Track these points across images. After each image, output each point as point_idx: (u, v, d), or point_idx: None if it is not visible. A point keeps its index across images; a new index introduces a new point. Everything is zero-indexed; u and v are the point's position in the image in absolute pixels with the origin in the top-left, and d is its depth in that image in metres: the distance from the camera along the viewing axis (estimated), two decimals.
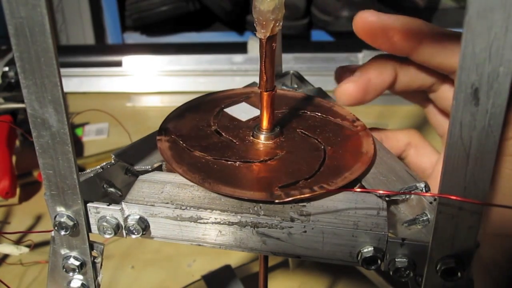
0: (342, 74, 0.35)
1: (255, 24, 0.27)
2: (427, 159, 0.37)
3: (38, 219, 0.68)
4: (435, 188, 0.27)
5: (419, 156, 0.37)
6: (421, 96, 0.37)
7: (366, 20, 0.31)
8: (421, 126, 0.38)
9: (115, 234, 0.27)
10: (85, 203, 0.26)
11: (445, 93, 0.34)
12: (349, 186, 0.28)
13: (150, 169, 0.29)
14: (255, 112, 0.34)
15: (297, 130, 0.32)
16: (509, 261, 0.28)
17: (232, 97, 0.36)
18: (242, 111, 0.34)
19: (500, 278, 0.28)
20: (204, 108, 0.35)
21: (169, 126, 0.32)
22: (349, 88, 0.33)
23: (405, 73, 0.33)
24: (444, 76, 0.33)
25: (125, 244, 0.63)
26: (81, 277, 0.28)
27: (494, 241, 0.28)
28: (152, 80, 1.02)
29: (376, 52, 0.34)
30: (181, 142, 0.31)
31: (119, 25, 1.27)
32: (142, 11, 1.19)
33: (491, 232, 0.28)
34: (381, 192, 0.27)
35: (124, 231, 0.27)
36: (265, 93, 0.29)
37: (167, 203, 0.26)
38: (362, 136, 0.32)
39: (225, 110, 0.34)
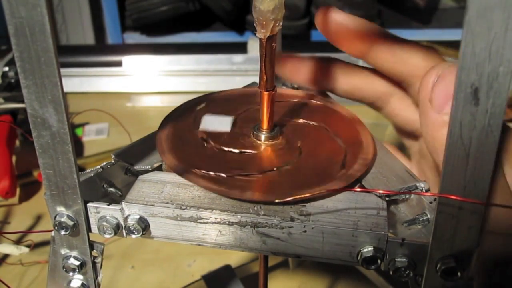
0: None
1: (255, 24, 0.27)
2: (411, 113, 0.36)
3: (38, 219, 0.68)
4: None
5: (404, 107, 0.36)
6: (378, 93, 0.36)
7: (326, 16, 0.32)
8: None
9: (115, 234, 0.27)
10: (85, 203, 0.26)
11: (394, 110, 0.35)
12: (349, 186, 0.28)
13: (150, 169, 0.29)
14: (227, 119, 0.33)
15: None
16: (508, 259, 0.28)
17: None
18: (216, 123, 0.33)
19: (498, 277, 0.28)
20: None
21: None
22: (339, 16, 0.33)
23: (345, 80, 0.34)
24: (391, 90, 0.34)
25: (125, 244, 0.63)
26: (81, 277, 0.28)
27: (493, 239, 0.28)
28: (152, 80, 1.02)
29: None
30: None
31: (119, 25, 1.27)
32: (142, 11, 1.19)
33: (490, 229, 0.28)
34: (381, 192, 0.27)
35: (124, 231, 0.27)
36: (265, 93, 0.29)
37: (167, 203, 0.26)
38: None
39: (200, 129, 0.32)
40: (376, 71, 0.34)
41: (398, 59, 0.31)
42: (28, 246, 0.53)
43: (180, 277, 0.60)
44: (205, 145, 0.31)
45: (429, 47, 0.31)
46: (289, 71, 0.36)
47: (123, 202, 0.26)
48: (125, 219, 0.26)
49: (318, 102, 0.36)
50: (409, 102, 0.34)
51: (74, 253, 0.27)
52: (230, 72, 1.01)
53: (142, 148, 0.31)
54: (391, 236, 0.25)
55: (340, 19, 0.31)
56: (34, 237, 0.61)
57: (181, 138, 0.31)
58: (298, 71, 0.35)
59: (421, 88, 0.29)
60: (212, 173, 0.28)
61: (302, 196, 0.26)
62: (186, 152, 0.30)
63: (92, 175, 0.28)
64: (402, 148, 0.37)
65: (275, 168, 0.29)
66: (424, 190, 0.27)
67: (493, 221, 0.27)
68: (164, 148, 0.30)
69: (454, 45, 0.99)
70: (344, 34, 0.32)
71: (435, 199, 0.26)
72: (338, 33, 0.32)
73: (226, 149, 0.30)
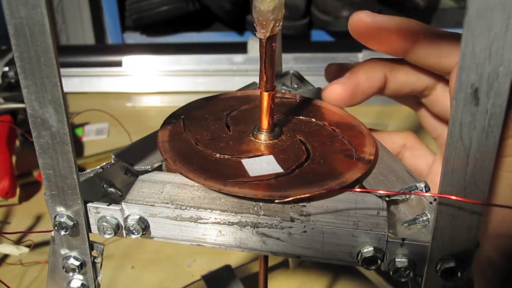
0: (332, 72, 0.35)
1: (255, 24, 0.27)
2: (423, 160, 0.37)
3: (38, 219, 0.68)
4: (432, 189, 0.27)
5: (415, 158, 0.37)
6: (414, 100, 0.37)
7: (361, 21, 0.31)
8: (421, 126, 0.39)
9: (115, 234, 0.27)
10: (85, 203, 0.26)
11: (438, 97, 0.34)
12: (349, 186, 0.28)
13: (150, 169, 0.29)
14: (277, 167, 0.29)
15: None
16: (504, 260, 0.28)
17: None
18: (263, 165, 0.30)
19: (495, 278, 0.28)
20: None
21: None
22: (336, 90, 0.33)
23: (395, 78, 0.34)
24: (436, 80, 0.33)
25: (125, 244, 0.63)
26: (81, 277, 0.28)
27: (490, 241, 0.28)
28: (152, 80, 1.02)
29: (376, 52, 0.34)
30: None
31: (119, 25, 1.27)
32: (142, 11, 1.19)
33: (487, 232, 0.28)
34: (381, 192, 0.27)
35: (124, 231, 0.27)
36: (265, 93, 0.29)
37: (167, 203, 0.26)
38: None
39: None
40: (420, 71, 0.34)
41: (445, 53, 0.30)
42: (28, 246, 0.53)
43: (180, 277, 0.60)
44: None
45: None
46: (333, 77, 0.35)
47: (123, 202, 0.26)
48: (125, 219, 0.26)
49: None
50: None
51: (74, 253, 0.27)
52: (230, 72, 1.01)
53: (142, 148, 0.31)
54: (391, 236, 0.25)
55: (379, 22, 0.31)
56: (34, 237, 0.61)
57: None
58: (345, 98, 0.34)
59: (452, 76, 0.29)
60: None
61: (302, 196, 0.26)
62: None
63: (92, 175, 0.28)
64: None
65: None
66: (424, 190, 0.27)
67: (494, 223, 0.27)
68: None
69: None
70: (386, 35, 0.31)
71: (435, 199, 0.26)
72: (379, 35, 0.31)
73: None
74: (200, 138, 0.31)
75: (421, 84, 0.34)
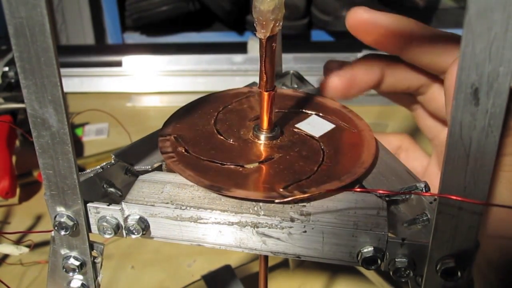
0: (330, 68, 0.35)
1: (255, 24, 0.27)
2: (418, 163, 0.37)
3: (38, 219, 0.68)
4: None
5: (410, 160, 0.37)
6: (409, 100, 0.37)
7: (359, 16, 0.31)
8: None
9: (115, 234, 0.27)
10: (85, 203, 0.26)
11: (433, 95, 0.34)
12: (349, 186, 0.28)
13: (150, 169, 0.29)
14: (327, 125, 0.33)
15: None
16: (504, 262, 0.28)
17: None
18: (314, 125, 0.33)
19: (494, 279, 0.28)
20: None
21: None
22: (333, 82, 0.33)
23: (392, 74, 0.34)
24: (432, 78, 0.33)
25: (125, 244, 0.63)
26: (81, 277, 0.28)
27: (489, 241, 0.28)
28: (152, 80, 1.02)
29: (375, 52, 0.34)
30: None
31: (119, 25, 1.27)
32: (142, 11, 1.19)
33: (486, 233, 0.28)
34: (381, 192, 0.27)
35: (124, 231, 0.27)
36: (265, 93, 0.29)
37: (167, 203, 0.26)
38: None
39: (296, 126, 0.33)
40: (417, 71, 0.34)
41: (440, 52, 0.30)
42: (28, 246, 0.52)
43: (180, 277, 0.60)
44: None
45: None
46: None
47: (123, 202, 0.26)
48: (125, 219, 0.26)
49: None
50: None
51: (74, 253, 0.27)
52: (230, 72, 1.01)
53: (142, 148, 0.31)
54: (391, 236, 0.25)
55: (376, 18, 0.31)
56: (34, 237, 0.61)
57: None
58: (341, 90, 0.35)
59: (447, 77, 0.29)
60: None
61: (302, 196, 0.26)
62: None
63: (92, 175, 0.28)
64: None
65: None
66: (424, 190, 0.27)
67: (493, 224, 0.27)
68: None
69: None
70: (382, 33, 0.31)
71: (435, 199, 0.26)
72: (375, 32, 0.31)
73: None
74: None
75: (417, 82, 0.34)
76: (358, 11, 0.31)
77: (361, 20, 0.31)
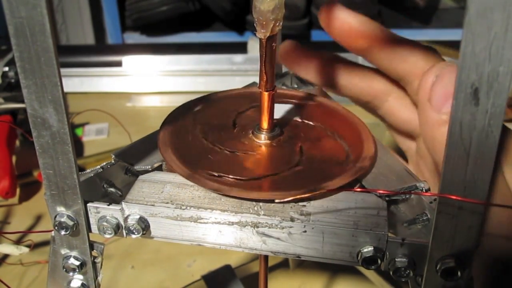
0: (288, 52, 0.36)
1: (255, 24, 0.27)
2: (408, 113, 0.36)
3: (38, 219, 0.68)
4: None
5: (402, 106, 0.36)
6: (376, 91, 0.36)
7: (329, 12, 0.32)
8: None
9: (115, 234, 0.27)
10: (85, 203, 0.26)
11: (390, 109, 0.35)
12: (349, 186, 0.28)
13: (150, 169, 0.29)
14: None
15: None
16: (504, 260, 0.28)
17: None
18: None
19: (494, 278, 0.28)
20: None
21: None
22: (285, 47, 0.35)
23: (345, 76, 0.35)
24: (389, 89, 0.34)
25: (125, 244, 0.63)
26: (81, 277, 0.28)
27: (489, 240, 0.28)
28: (152, 80, 1.02)
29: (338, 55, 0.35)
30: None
31: (119, 25, 1.27)
32: (142, 11, 1.19)
33: (486, 231, 0.28)
34: (381, 192, 0.27)
35: (124, 231, 0.27)
36: (265, 93, 0.29)
37: (167, 203, 0.26)
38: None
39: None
40: (376, 71, 0.34)
41: (397, 57, 0.31)
42: (28, 246, 0.52)
43: (180, 277, 0.60)
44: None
45: (429, 47, 0.31)
46: (291, 61, 0.36)
47: (123, 202, 0.26)
48: (125, 219, 0.26)
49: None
50: (407, 101, 0.34)
51: (74, 253, 0.27)
52: (230, 72, 1.01)
53: (142, 148, 0.31)
54: (391, 236, 0.25)
55: (343, 17, 0.31)
56: (34, 237, 0.61)
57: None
58: (299, 63, 0.36)
59: (420, 87, 0.29)
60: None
61: (302, 196, 0.26)
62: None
63: (92, 175, 0.28)
64: (399, 152, 0.37)
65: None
66: (424, 190, 0.27)
67: (494, 222, 0.27)
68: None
69: (454, 45, 0.99)
70: (347, 31, 0.32)
71: (435, 199, 0.26)
72: (341, 30, 0.32)
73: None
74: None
75: (369, 91, 0.35)
76: (330, 7, 0.32)
77: (329, 15, 0.32)
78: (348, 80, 0.35)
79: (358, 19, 0.31)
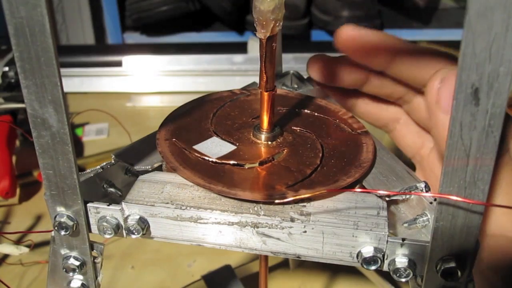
0: (314, 61, 0.37)
1: (255, 24, 0.27)
2: (411, 139, 0.38)
3: (38, 219, 0.68)
4: None
5: (407, 132, 0.38)
6: (385, 121, 0.39)
7: (347, 34, 0.33)
8: None
9: (115, 234, 0.27)
10: (85, 203, 0.26)
11: (418, 106, 0.35)
12: (349, 186, 0.28)
13: (150, 169, 0.29)
14: (228, 147, 0.31)
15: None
16: (504, 261, 0.28)
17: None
18: (213, 147, 0.31)
19: (494, 279, 0.28)
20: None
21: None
22: (313, 72, 0.37)
23: (377, 76, 0.35)
24: (417, 90, 0.35)
25: (125, 244, 0.63)
26: (81, 277, 0.28)
27: (489, 241, 0.28)
28: (152, 80, 1.02)
29: None
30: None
31: (119, 25, 1.27)
32: (142, 11, 1.19)
33: (486, 232, 0.28)
34: (381, 192, 0.27)
35: (124, 231, 0.27)
36: (265, 93, 0.29)
37: (167, 203, 0.26)
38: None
39: (194, 147, 0.30)
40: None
41: (419, 66, 0.32)
42: (28, 246, 0.52)
43: (180, 277, 0.60)
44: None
45: (444, 53, 0.32)
46: (317, 74, 0.37)
47: (123, 202, 0.26)
48: (125, 219, 0.26)
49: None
50: (412, 128, 0.37)
51: (74, 253, 0.27)
52: (230, 72, 1.01)
53: (142, 148, 0.31)
54: (391, 236, 0.25)
55: (362, 36, 0.32)
56: (34, 237, 0.61)
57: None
58: (326, 77, 0.37)
59: (427, 91, 0.30)
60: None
61: (302, 196, 0.26)
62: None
63: (92, 175, 0.28)
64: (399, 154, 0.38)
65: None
66: (424, 190, 0.27)
67: (495, 225, 0.27)
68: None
69: (454, 45, 0.99)
70: (368, 49, 0.32)
71: (435, 199, 0.26)
72: (362, 49, 0.33)
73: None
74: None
75: (401, 90, 0.35)
76: (347, 28, 0.33)
77: (349, 37, 0.32)
78: (364, 107, 0.38)
79: (376, 35, 0.32)
